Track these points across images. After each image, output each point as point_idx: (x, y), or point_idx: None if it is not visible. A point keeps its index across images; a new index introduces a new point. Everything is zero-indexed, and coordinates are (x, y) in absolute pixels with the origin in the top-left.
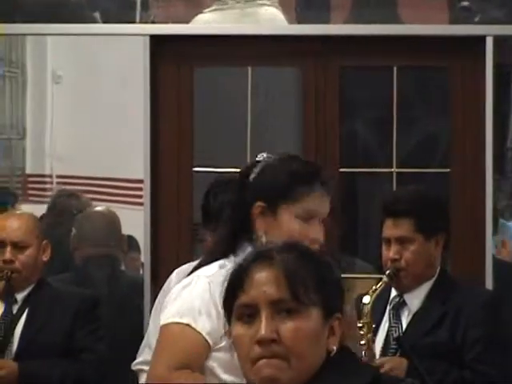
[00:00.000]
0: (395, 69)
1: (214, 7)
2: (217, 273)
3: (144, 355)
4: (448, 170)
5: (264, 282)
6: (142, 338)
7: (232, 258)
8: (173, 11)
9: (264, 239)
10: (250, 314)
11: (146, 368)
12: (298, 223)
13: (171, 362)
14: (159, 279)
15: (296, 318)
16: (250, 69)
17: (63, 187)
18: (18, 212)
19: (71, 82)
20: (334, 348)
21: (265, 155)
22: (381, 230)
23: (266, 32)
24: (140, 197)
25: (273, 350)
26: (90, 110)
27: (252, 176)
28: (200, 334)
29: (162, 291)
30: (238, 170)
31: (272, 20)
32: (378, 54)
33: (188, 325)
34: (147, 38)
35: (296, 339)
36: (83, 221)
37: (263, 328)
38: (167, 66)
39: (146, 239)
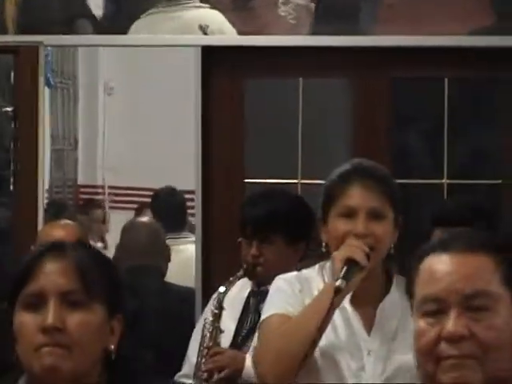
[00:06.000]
0: (446, 80)
1: (148, 11)
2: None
3: (185, 369)
4: (499, 181)
5: (55, 272)
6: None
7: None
8: None
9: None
10: (36, 303)
11: (187, 381)
12: (340, 221)
13: None
14: (210, 291)
15: (83, 311)
16: (301, 80)
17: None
18: (62, 222)
19: (123, 94)
20: (112, 347)
21: None
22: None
23: (317, 43)
24: (191, 208)
25: (56, 339)
26: (142, 121)
27: None
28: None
29: (203, 314)
30: (290, 180)
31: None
32: (428, 65)
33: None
34: (199, 49)
35: (81, 330)
36: (125, 231)
37: (50, 317)
38: (219, 77)
39: (198, 251)
